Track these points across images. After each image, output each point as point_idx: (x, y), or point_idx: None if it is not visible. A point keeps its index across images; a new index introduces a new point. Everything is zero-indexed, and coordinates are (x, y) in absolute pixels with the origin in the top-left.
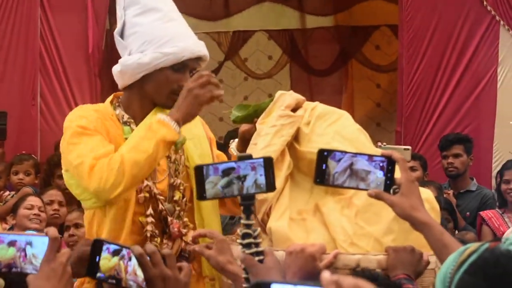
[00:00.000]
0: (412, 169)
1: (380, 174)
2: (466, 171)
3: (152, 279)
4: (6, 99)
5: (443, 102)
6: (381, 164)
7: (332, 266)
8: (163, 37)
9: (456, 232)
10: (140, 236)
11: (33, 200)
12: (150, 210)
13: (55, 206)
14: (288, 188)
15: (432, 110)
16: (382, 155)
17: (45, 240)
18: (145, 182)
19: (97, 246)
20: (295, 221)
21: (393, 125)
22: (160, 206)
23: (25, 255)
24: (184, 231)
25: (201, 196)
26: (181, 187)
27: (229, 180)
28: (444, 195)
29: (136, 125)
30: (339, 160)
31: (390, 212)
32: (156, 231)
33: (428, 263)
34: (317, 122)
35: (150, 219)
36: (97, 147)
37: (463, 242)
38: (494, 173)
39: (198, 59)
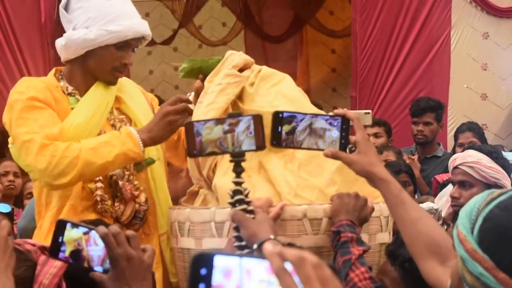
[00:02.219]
0: (377, 135)
1: (335, 134)
2: (434, 138)
3: (117, 258)
4: None
5: (397, 66)
6: (335, 124)
7: (279, 218)
8: (108, 14)
9: (416, 197)
10: (89, 201)
11: None
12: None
13: (10, 177)
14: None
15: (386, 74)
16: (336, 114)
17: None
18: None
19: (60, 226)
20: None
21: (348, 90)
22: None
23: None
24: (136, 193)
25: (192, 154)
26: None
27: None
28: (408, 160)
29: (81, 96)
30: (292, 122)
31: (332, 164)
32: (106, 196)
33: (373, 209)
34: (261, 83)
35: (99, 184)
36: (47, 124)
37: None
38: (449, 136)
39: (141, 38)
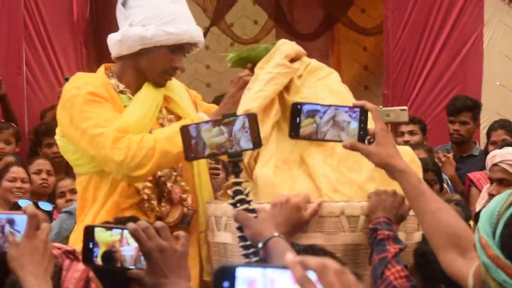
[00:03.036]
0: (412, 132)
1: (353, 125)
2: (471, 137)
3: (150, 252)
4: None
5: (430, 64)
6: (354, 115)
7: (317, 215)
8: (167, 16)
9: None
10: (134, 199)
11: (15, 171)
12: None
13: (44, 175)
14: (275, 135)
15: (418, 72)
16: (354, 106)
17: (25, 217)
18: None
19: (88, 232)
20: (280, 169)
21: (380, 88)
22: (158, 171)
23: (3, 234)
24: (184, 196)
25: (190, 157)
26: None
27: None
28: (444, 158)
29: (132, 94)
30: (308, 112)
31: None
32: (153, 195)
33: (410, 208)
34: (308, 76)
35: (147, 183)
36: (111, 118)
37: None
38: (481, 134)
39: (194, 44)
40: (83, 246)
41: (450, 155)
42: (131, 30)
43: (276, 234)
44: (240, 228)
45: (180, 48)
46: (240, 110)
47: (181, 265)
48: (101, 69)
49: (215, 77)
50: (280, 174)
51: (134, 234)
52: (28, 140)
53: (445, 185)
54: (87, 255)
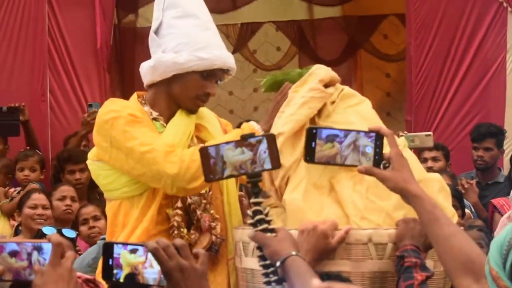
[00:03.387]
0: (435, 159)
1: (369, 149)
2: (495, 163)
3: (170, 271)
4: (16, 96)
5: (453, 90)
6: (369, 140)
7: (344, 242)
8: (199, 42)
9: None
10: (163, 226)
11: (36, 198)
12: (179, 203)
13: (68, 201)
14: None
15: (441, 98)
16: (370, 130)
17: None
18: None
19: (108, 249)
20: (311, 193)
21: (402, 114)
22: (189, 199)
23: (31, 262)
24: (213, 224)
25: (209, 178)
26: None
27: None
28: (467, 184)
29: (165, 122)
30: (328, 137)
31: None
32: (182, 223)
33: None
34: (340, 103)
35: (178, 211)
36: (156, 136)
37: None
38: (505, 160)
39: (226, 71)
40: (102, 263)
41: (473, 181)
42: (164, 56)
43: (293, 252)
44: (259, 248)
45: (213, 74)
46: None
47: (202, 284)
48: (134, 96)
49: (238, 103)
50: (309, 199)
51: (155, 253)
52: (52, 167)
53: (468, 211)
54: (107, 271)
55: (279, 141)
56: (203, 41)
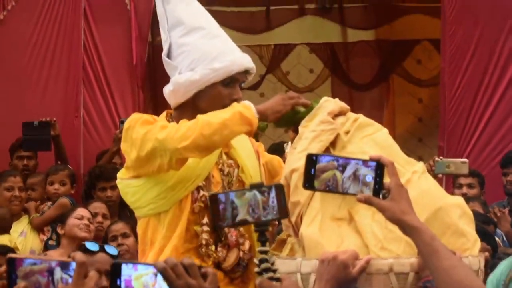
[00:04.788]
0: (470, 186)
1: (369, 178)
2: None
3: None
4: (50, 110)
5: (486, 116)
6: (369, 168)
7: (365, 272)
8: (210, 53)
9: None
10: (192, 244)
11: (82, 211)
12: (205, 220)
13: (99, 218)
14: (320, 192)
15: (475, 125)
16: (371, 159)
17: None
18: (201, 192)
19: (116, 268)
20: (328, 226)
21: (434, 140)
22: None
23: (53, 280)
24: (241, 240)
25: (218, 225)
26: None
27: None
28: (499, 213)
29: None
30: (326, 164)
31: (420, 216)
32: (211, 240)
33: None
34: (356, 133)
35: (205, 227)
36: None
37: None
38: None
39: (246, 72)
40: (110, 282)
41: (506, 210)
42: (180, 78)
43: None
44: None
45: (234, 80)
46: (285, 170)
47: None
48: (163, 114)
49: (269, 124)
50: (327, 231)
51: (163, 273)
52: (83, 183)
53: (499, 240)
54: None
55: (294, 178)
56: (213, 50)
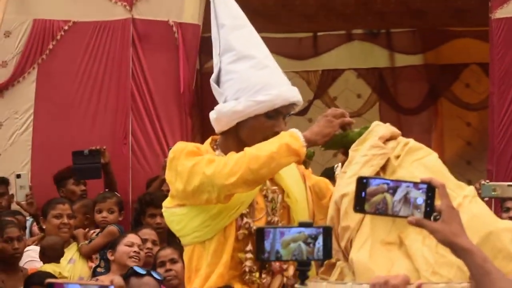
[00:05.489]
0: None
1: (419, 201)
2: None
3: None
4: (99, 138)
5: None
6: (421, 191)
7: None
8: (256, 85)
9: None
10: (237, 271)
11: (133, 238)
12: (249, 247)
13: (149, 244)
14: (369, 217)
15: None
16: (422, 181)
17: None
18: (244, 220)
19: None
20: (378, 250)
21: (483, 163)
22: None
23: None
24: (284, 266)
25: (261, 257)
26: (279, 225)
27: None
28: None
29: None
30: (377, 187)
31: (471, 240)
32: (255, 267)
33: None
34: (406, 157)
35: (249, 255)
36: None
37: None
38: None
39: (292, 104)
40: None
41: None
42: (224, 107)
43: None
44: None
45: (278, 113)
46: (335, 195)
47: None
48: (208, 141)
49: (317, 149)
50: (377, 256)
51: None
52: (132, 210)
53: None
54: None
55: (344, 202)
56: (260, 82)
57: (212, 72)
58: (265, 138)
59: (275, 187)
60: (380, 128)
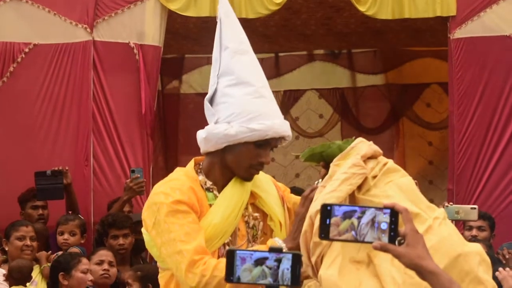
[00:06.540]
0: (481, 228)
1: (384, 226)
2: None
3: None
4: (60, 160)
5: (495, 159)
6: (385, 216)
7: None
8: (251, 112)
9: None
10: None
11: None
12: None
13: (105, 266)
14: None
15: (484, 167)
16: (385, 206)
17: None
18: (227, 248)
19: None
20: (347, 268)
21: (445, 183)
22: None
23: None
24: None
25: (229, 279)
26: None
27: (261, 269)
28: (508, 255)
29: (218, 191)
30: (345, 214)
31: (439, 262)
32: None
33: None
34: (382, 177)
35: None
36: (192, 232)
37: None
38: None
39: (281, 138)
40: None
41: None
42: (216, 128)
43: None
44: None
45: (266, 143)
46: (311, 210)
47: None
48: (191, 163)
49: (280, 170)
50: (346, 274)
51: None
52: (94, 231)
53: None
54: None
55: (318, 218)
56: (255, 110)
57: (174, 94)
58: (251, 166)
59: (256, 214)
60: (363, 146)
